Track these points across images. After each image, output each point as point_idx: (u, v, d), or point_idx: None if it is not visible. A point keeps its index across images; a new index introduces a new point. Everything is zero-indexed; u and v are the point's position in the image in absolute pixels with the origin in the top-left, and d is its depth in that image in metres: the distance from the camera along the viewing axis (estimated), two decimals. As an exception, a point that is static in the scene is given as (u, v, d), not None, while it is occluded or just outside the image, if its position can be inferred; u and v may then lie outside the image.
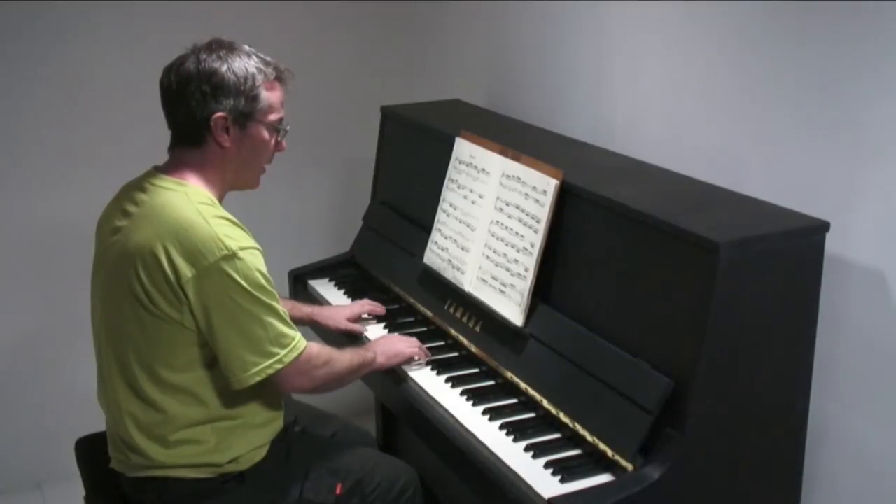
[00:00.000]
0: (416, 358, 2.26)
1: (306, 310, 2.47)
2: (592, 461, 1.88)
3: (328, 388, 2.06)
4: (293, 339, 1.92)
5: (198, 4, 3.03)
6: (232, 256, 1.82)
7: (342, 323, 2.44)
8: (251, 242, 1.88)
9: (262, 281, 1.87)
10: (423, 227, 2.55)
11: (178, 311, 1.84)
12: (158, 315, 1.84)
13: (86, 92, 3.01)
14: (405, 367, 2.25)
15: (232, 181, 1.98)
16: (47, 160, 3.01)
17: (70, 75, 2.98)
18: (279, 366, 1.89)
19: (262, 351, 1.87)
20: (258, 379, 1.88)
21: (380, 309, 2.52)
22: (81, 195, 3.02)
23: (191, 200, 1.86)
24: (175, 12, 3.01)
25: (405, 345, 2.27)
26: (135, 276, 1.84)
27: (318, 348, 2.01)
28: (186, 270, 1.81)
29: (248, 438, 1.96)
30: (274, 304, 1.89)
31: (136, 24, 3.01)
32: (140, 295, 1.84)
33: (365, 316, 2.51)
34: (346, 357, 2.09)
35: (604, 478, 1.83)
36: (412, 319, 2.50)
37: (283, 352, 1.89)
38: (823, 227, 1.86)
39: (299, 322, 2.40)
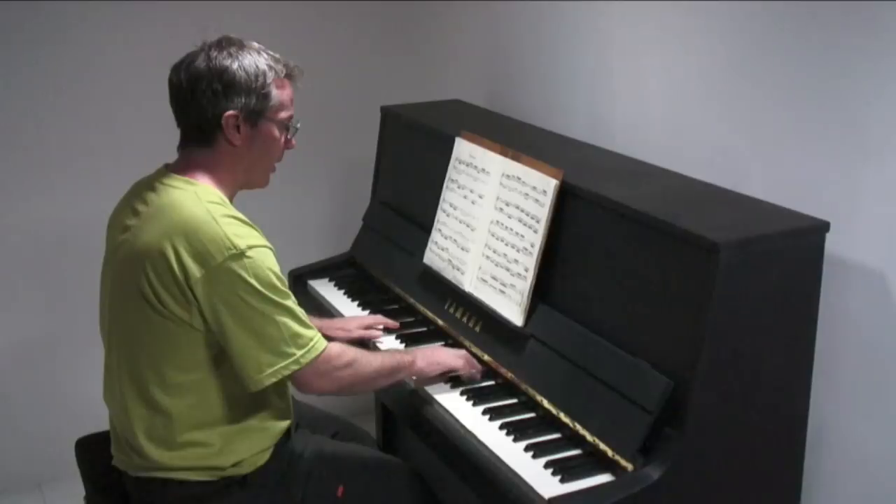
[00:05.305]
0: (463, 372, 2.15)
1: (315, 323, 2.31)
2: (592, 461, 1.88)
3: (355, 390, 2.02)
4: (311, 339, 1.88)
5: (198, 4, 3.02)
6: (240, 255, 1.80)
7: (354, 331, 2.35)
8: (261, 241, 1.86)
9: (274, 280, 1.84)
10: (423, 227, 2.55)
11: (186, 311, 1.82)
12: (166, 315, 1.83)
13: (89, 91, 3.01)
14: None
15: (242, 180, 1.97)
16: (49, 160, 3.01)
17: (72, 75, 2.98)
18: (296, 367, 1.86)
19: (277, 351, 1.84)
20: (274, 380, 1.85)
21: (393, 323, 2.42)
22: (84, 196, 3.04)
23: (200, 199, 1.85)
24: (175, 12, 3.01)
25: (450, 355, 2.18)
26: (143, 276, 1.83)
27: (340, 348, 1.97)
28: (195, 270, 1.79)
29: (252, 442, 1.94)
30: (288, 303, 1.86)
31: (136, 24, 3.01)
32: (148, 295, 1.83)
33: (379, 328, 2.41)
34: (376, 359, 2.05)
35: (604, 478, 1.83)
36: (412, 319, 2.50)
37: (299, 352, 1.86)
38: (823, 227, 1.86)
39: None
